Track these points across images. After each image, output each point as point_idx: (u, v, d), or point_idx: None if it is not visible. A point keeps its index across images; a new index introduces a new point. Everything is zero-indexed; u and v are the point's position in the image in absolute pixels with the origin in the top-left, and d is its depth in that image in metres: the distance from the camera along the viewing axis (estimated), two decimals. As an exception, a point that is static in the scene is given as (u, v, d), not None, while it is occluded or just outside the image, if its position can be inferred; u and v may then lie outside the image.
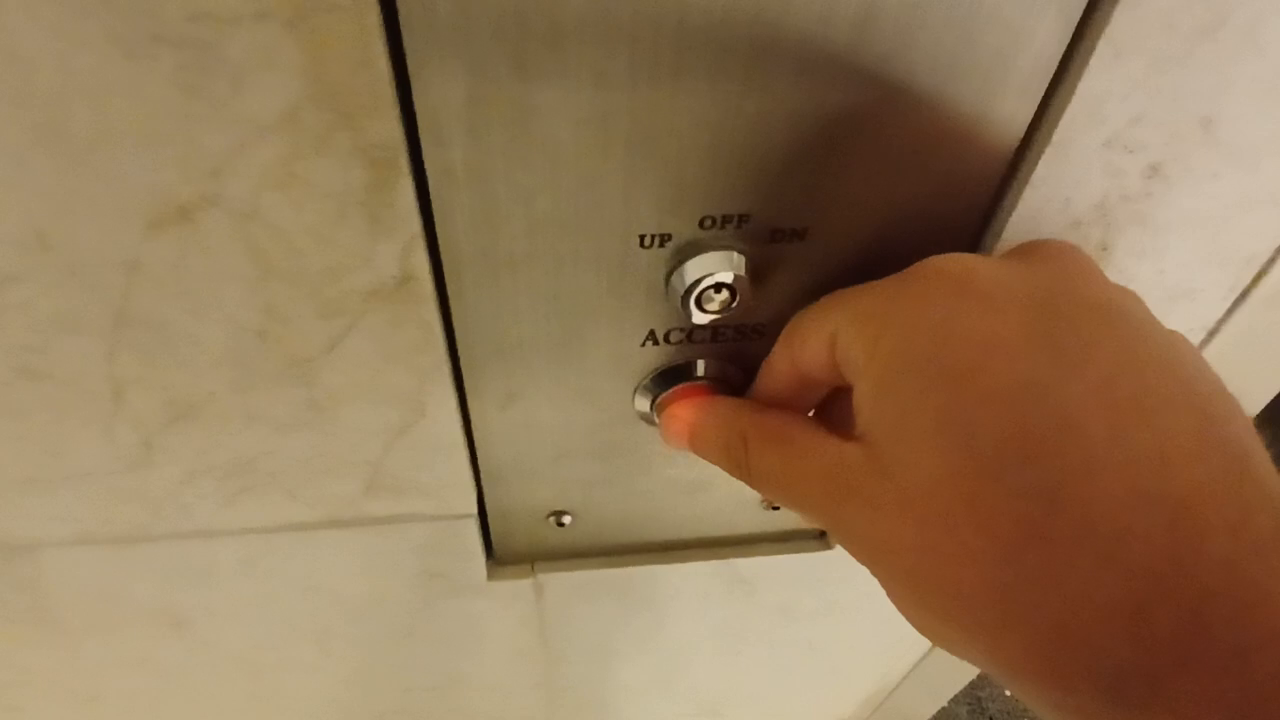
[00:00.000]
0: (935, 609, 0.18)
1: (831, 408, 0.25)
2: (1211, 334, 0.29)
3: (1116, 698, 0.15)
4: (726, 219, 0.22)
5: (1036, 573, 0.16)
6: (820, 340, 0.21)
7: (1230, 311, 0.28)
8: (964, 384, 0.17)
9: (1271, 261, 0.27)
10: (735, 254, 0.23)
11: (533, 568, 0.35)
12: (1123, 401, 0.17)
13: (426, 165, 0.20)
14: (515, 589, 0.36)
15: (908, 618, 0.19)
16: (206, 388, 0.25)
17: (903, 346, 0.18)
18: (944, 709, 1.11)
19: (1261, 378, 0.31)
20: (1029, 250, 0.20)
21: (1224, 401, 0.18)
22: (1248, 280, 0.27)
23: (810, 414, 0.24)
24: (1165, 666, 0.15)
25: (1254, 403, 0.32)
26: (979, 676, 1.12)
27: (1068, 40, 0.20)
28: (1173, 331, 0.19)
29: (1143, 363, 0.17)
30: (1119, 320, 0.18)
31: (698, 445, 0.25)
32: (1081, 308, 0.18)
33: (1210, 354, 0.29)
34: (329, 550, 0.33)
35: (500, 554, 0.35)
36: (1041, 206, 0.23)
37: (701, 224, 0.22)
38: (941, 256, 0.20)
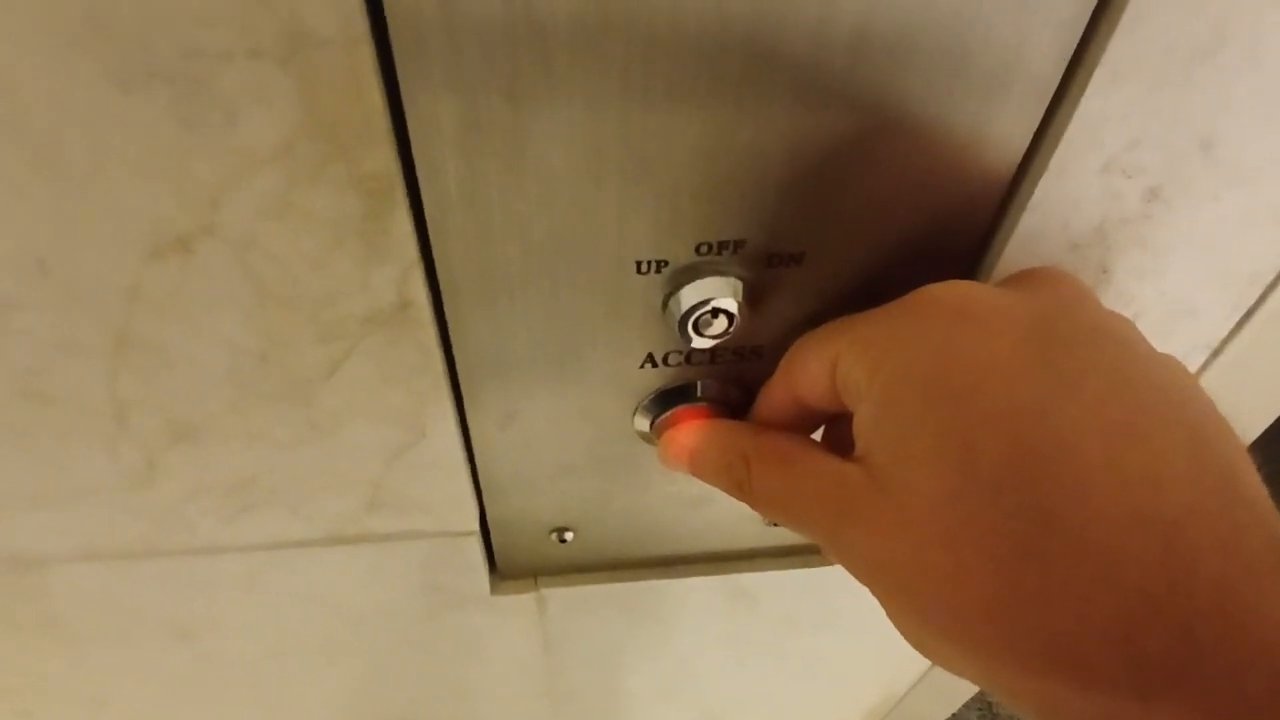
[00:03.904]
0: (932, 627, 0.18)
1: (829, 436, 0.25)
2: (1215, 353, 0.29)
3: (1110, 716, 0.15)
4: (723, 244, 0.22)
5: (1032, 592, 0.16)
6: (821, 366, 0.21)
7: (1234, 331, 0.28)
8: (963, 406, 0.17)
9: (1276, 280, 0.26)
10: (732, 279, 0.23)
11: (535, 582, 0.35)
12: (1117, 424, 0.17)
13: (423, 193, 0.20)
14: (518, 603, 0.36)
15: (905, 635, 0.19)
16: (208, 409, 0.25)
17: (904, 370, 0.19)
18: (955, 714, 1.11)
19: (1266, 396, 0.31)
20: (1025, 277, 0.20)
21: (1215, 423, 0.18)
22: (1252, 299, 0.27)
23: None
24: (1158, 685, 0.15)
25: (1259, 420, 0.32)
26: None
27: (1065, 64, 0.20)
28: (1166, 355, 0.19)
29: (1136, 386, 0.18)
30: (1113, 344, 0.18)
31: (697, 467, 0.25)
32: (1077, 332, 0.18)
33: (1214, 373, 0.29)
34: (332, 565, 0.33)
35: (503, 568, 0.35)
36: (1040, 230, 0.23)
37: (698, 249, 0.22)
38: (939, 284, 0.20)
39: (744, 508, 0.33)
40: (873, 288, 0.23)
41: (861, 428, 0.19)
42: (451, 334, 0.24)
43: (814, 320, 0.24)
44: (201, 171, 0.19)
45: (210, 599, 0.35)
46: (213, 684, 0.42)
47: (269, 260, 0.21)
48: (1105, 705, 0.15)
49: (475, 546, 0.32)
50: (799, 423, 0.23)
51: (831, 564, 0.37)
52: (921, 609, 0.18)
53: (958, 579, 0.17)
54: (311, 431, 0.26)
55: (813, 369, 0.21)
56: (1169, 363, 0.19)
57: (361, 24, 0.17)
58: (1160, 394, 0.18)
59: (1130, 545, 0.16)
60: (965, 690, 0.54)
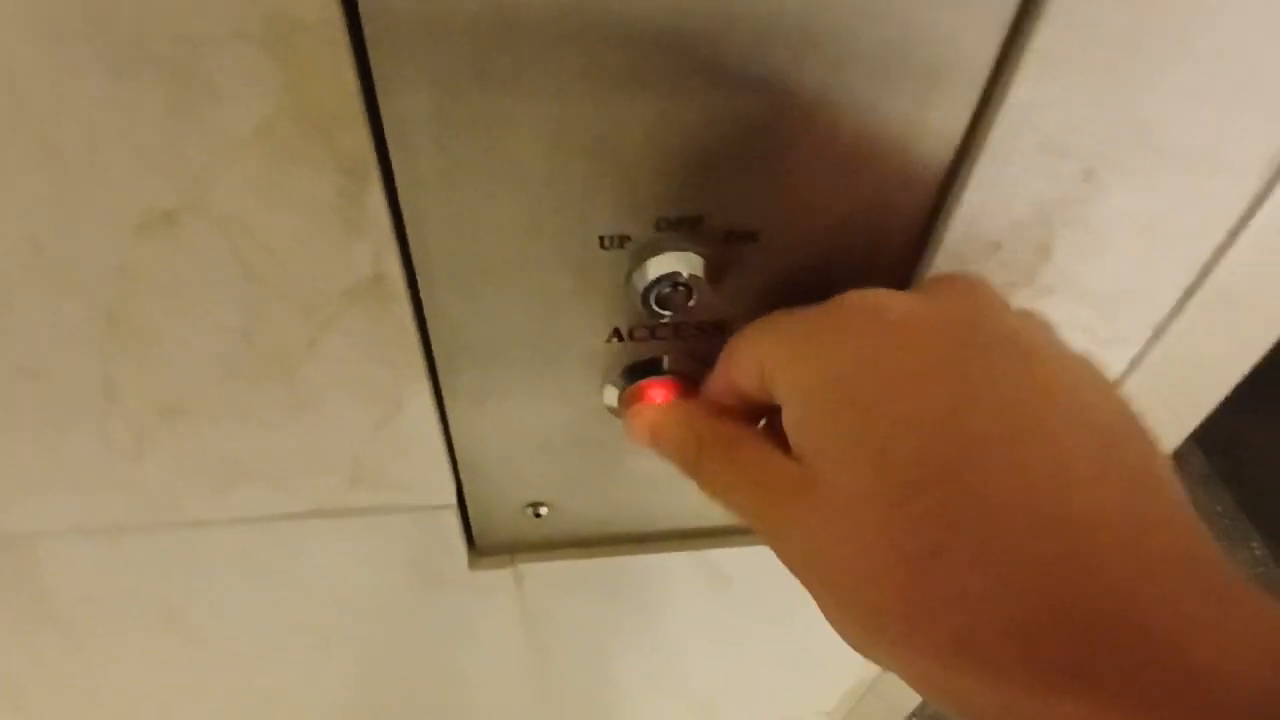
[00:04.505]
0: (853, 620, 0.19)
1: (771, 424, 0.26)
2: (1159, 333, 0.30)
3: (1014, 712, 0.16)
4: (681, 220, 0.23)
5: (938, 593, 0.17)
6: (751, 364, 0.22)
7: (1175, 311, 0.29)
8: (874, 411, 0.18)
9: (1212, 262, 0.28)
10: (692, 254, 0.24)
11: (512, 558, 0.36)
12: (1022, 428, 0.18)
13: (396, 173, 0.21)
14: (496, 579, 0.37)
15: (831, 625, 0.20)
16: (194, 385, 0.26)
17: (822, 375, 0.20)
18: (932, 712, 1.12)
19: (1209, 376, 0.32)
20: (941, 283, 0.22)
21: (1128, 425, 0.19)
22: (1190, 280, 0.28)
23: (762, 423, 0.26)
24: (1055, 688, 0.16)
25: (1203, 402, 0.33)
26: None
27: (996, 52, 0.21)
28: (1080, 357, 0.20)
29: (1044, 390, 0.18)
30: (1023, 350, 0.19)
31: (659, 443, 0.26)
32: (988, 339, 0.19)
33: (1156, 355, 0.30)
34: (317, 541, 0.34)
35: (481, 545, 0.36)
36: (981, 209, 0.24)
37: (658, 225, 0.23)
38: (858, 291, 0.21)
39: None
40: (826, 263, 0.25)
41: (788, 427, 0.21)
42: (426, 310, 0.25)
43: (772, 295, 0.26)
44: (189, 151, 0.20)
45: (199, 578, 0.36)
46: (202, 667, 0.43)
47: (251, 237, 0.22)
48: (1005, 705, 0.16)
49: (452, 520, 0.33)
50: (740, 408, 0.24)
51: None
52: (843, 604, 0.19)
53: (873, 577, 0.18)
54: (294, 407, 0.27)
55: (744, 364, 0.23)
56: (1082, 367, 0.20)
57: (335, 9, 0.18)
58: (1071, 396, 0.19)
59: (1031, 548, 0.16)
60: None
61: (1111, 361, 0.31)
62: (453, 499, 0.32)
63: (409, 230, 0.23)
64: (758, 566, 0.40)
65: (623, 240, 0.24)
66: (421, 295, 0.25)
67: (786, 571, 0.40)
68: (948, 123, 0.22)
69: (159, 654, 0.41)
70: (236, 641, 0.41)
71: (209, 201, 0.21)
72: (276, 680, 0.44)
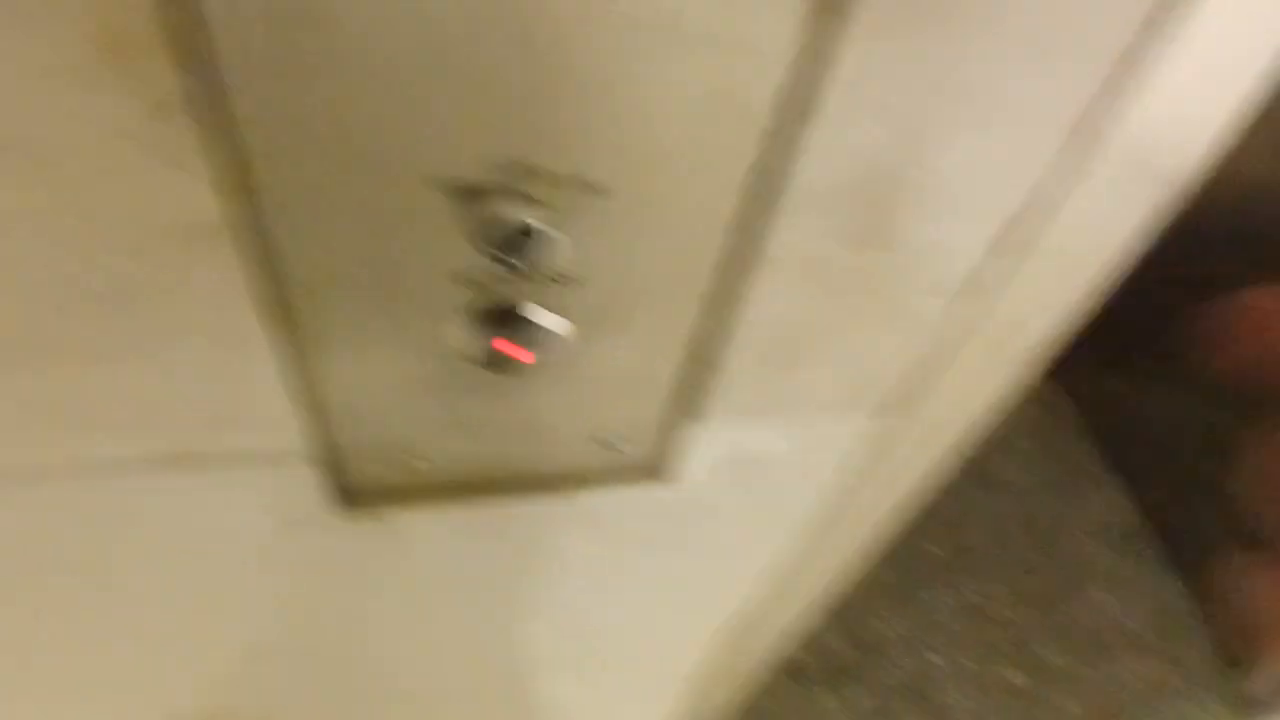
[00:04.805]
0: None
1: None
2: (972, 283, 0.32)
3: None
4: (527, 169, 0.24)
5: None
6: None
7: (988, 261, 0.32)
8: None
9: (1017, 217, 0.30)
10: (535, 203, 0.24)
11: (383, 507, 0.37)
12: None
13: (230, 107, 0.21)
14: (367, 528, 0.37)
15: None
16: (25, 328, 0.26)
17: None
18: (820, 641, 1.19)
19: (1023, 324, 0.35)
20: None
21: None
22: (995, 232, 0.30)
23: None
24: None
25: (1022, 344, 0.36)
26: (850, 607, 1.17)
27: (812, 17, 0.22)
28: None
29: None
30: None
31: None
32: None
33: (979, 307, 0.33)
34: (180, 493, 0.33)
35: (349, 494, 0.36)
36: (816, 169, 0.25)
37: (502, 172, 0.24)
38: None
39: (576, 427, 0.36)
40: (670, 218, 0.26)
41: None
42: (271, 251, 0.25)
43: (620, 247, 0.27)
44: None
45: (56, 533, 0.35)
46: (70, 629, 0.42)
47: (73, 172, 0.22)
48: None
49: (315, 470, 0.33)
50: None
51: (660, 484, 0.40)
52: None
53: None
54: (134, 349, 0.27)
55: None
56: None
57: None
58: None
59: None
60: (808, 596, 0.58)
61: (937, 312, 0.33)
62: (310, 446, 0.32)
63: (252, 168, 0.23)
64: (624, 508, 0.41)
65: (468, 188, 0.24)
66: (267, 236, 0.24)
67: (649, 513, 0.42)
68: (769, 85, 0.23)
69: (19, 618, 0.40)
70: (101, 599, 0.40)
71: (22, 135, 0.21)
72: (150, 638, 0.44)
